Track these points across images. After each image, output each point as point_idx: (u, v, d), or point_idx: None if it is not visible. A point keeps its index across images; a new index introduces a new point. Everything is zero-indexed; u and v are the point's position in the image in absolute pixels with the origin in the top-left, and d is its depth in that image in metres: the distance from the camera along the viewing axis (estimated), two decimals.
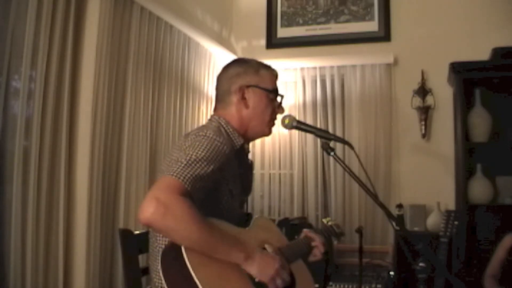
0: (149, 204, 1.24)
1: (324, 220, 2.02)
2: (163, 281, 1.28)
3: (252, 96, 1.64)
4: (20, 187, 2.10)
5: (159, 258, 1.34)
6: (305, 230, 1.81)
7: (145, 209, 1.24)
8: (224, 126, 1.61)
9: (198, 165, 1.35)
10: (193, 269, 1.26)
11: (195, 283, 1.24)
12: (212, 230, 1.32)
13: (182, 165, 1.34)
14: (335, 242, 3.48)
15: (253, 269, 1.37)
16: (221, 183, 1.49)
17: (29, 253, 2.11)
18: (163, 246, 1.41)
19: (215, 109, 1.70)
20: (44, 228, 2.20)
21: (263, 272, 1.39)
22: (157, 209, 1.23)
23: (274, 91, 1.69)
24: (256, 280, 1.40)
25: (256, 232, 1.58)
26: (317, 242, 1.77)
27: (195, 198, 1.32)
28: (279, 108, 1.72)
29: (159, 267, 1.31)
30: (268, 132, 1.72)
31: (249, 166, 1.76)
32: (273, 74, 1.73)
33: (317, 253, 1.76)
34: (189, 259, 1.27)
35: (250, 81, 1.65)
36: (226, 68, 1.71)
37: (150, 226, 1.30)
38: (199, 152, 1.38)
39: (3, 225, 2.08)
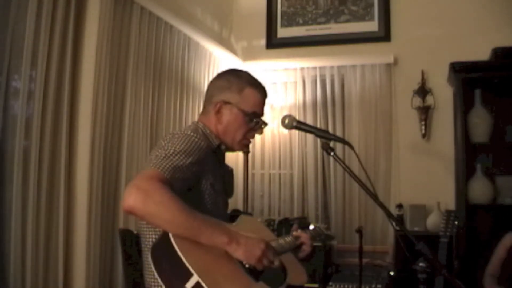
0: (129, 192, 1.29)
1: (311, 226, 2.02)
2: (155, 273, 1.30)
3: (227, 114, 1.64)
4: (20, 187, 2.10)
5: (149, 253, 1.36)
6: (293, 232, 1.79)
7: (126, 197, 1.29)
8: (202, 128, 1.64)
9: (176, 157, 1.40)
10: (183, 255, 1.27)
11: (186, 268, 1.26)
12: (194, 214, 1.34)
13: (161, 157, 1.39)
14: (334, 242, 3.49)
15: (239, 252, 1.37)
16: (202, 176, 1.52)
17: (29, 253, 2.11)
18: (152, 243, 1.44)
19: (201, 112, 1.74)
20: (44, 228, 2.20)
21: (249, 254, 1.39)
22: (137, 196, 1.28)
23: (251, 115, 1.66)
24: (246, 265, 1.41)
25: (242, 228, 1.58)
26: (304, 239, 1.76)
27: (177, 189, 1.34)
28: (257, 130, 1.72)
29: (150, 260, 1.33)
30: (238, 149, 1.74)
31: (229, 171, 1.80)
32: (260, 94, 1.70)
33: (306, 248, 1.76)
34: (178, 246, 1.29)
35: (230, 98, 1.64)
36: (219, 76, 1.74)
37: (133, 214, 1.32)
38: (177, 146, 1.43)
39: (3, 225, 2.08)
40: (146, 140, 2.88)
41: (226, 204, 1.73)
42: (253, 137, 1.74)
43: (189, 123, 3.40)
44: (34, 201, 2.15)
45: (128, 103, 2.74)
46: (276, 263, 1.46)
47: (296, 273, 1.64)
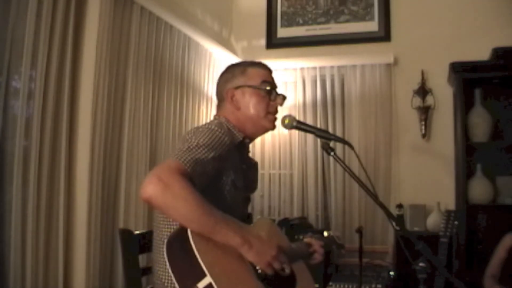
0: (149, 181, 1.29)
1: (325, 233, 2.05)
2: (169, 270, 1.29)
3: (241, 97, 1.67)
4: (20, 187, 2.10)
5: (164, 247, 1.34)
6: (306, 239, 1.81)
7: (145, 186, 1.29)
8: (225, 122, 1.64)
9: (199, 150, 1.40)
10: (199, 254, 1.27)
11: (201, 267, 1.25)
12: (211, 211, 1.33)
13: (183, 150, 1.39)
14: (342, 250, 3.49)
15: (250, 254, 1.37)
16: (223, 173, 1.52)
17: (29, 253, 2.11)
18: (167, 237, 1.41)
19: (217, 112, 1.75)
20: (44, 228, 2.20)
21: (259, 257, 1.39)
22: (156, 186, 1.27)
23: (263, 85, 1.68)
24: (258, 270, 1.41)
25: (258, 232, 1.58)
26: (316, 247, 1.78)
27: (197, 184, 1.34)
28: (276, 99, 1.70)
29: (165, 255, 1.32)
30: (270, 126, 1.71)
31: (253, 165, 1.78)
32: (263, 69, 1.73)
33: (317, 256, 1.78)
34: (195, 244, 1.28)
35: (237, 82, 1.68)
36: (221, 75, 1.77)
37: (150, 203, 1.32)
38: (200, 139, 1.43)
39: (3, 225, 2.08)
40: (146, 140, 2.88)
41: (247, 200, 1.74)
42: (276, 110, 1.72)
43: (189, 123, 3.41)
44: (34, 201, 2.15)
45: (128, 103, 2.74)
46: (287, 270, 1.46)
47: (305, 283, 1.65)
